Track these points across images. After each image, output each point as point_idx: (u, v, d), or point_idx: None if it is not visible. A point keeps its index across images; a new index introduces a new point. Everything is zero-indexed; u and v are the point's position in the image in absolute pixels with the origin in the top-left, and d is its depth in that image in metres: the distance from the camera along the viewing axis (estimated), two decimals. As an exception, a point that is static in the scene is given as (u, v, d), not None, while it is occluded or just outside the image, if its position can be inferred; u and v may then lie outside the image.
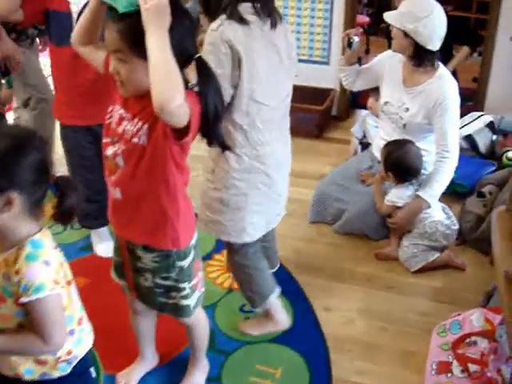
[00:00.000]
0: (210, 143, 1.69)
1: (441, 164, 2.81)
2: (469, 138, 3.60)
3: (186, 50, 1.53)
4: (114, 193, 1.70)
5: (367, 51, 5.76)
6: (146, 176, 1.62)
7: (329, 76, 4.21)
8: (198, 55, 1.59)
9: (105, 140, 1.69)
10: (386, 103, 3.01)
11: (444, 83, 2.81)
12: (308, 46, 4.19)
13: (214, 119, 1.60)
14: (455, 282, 2.79)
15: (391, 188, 2.94)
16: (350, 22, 4.06)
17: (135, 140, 1.58)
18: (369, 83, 3.20)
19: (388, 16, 2.80)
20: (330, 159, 3.82)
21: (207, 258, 2.88)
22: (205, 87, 1.57)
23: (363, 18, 5.93)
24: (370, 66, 3.13)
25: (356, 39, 2.96)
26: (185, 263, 1.79)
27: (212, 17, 1.94)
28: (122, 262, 1.87)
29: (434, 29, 2.72)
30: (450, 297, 2.68)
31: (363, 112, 4.06)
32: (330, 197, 3.13)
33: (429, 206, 2.83)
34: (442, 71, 2.85)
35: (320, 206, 3.15)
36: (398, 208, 2.88)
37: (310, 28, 4.12)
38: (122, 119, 1.63)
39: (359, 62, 3.21)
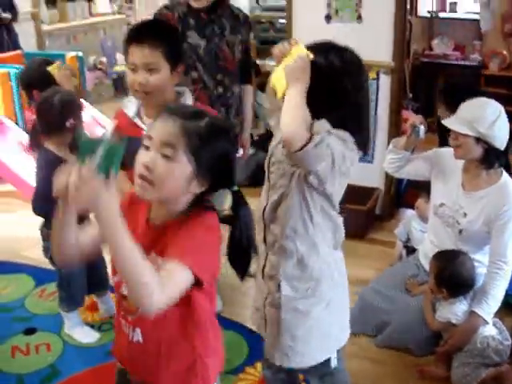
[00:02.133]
0: (241, 274, 1.59)
1: (496, 277, 2.61)
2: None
3: (229, 180, 1.51)
4: (132, 334, 1.52)
5: (413, 149, 5.64)
6: (171, 314, 1.43)
7: (373, 175, 4.10)
8: (235, 189, 1.53)
9: (117, 279, 1.52)
10: (441, 205, 2.83)
11: (509, 190, 2.65)
12: (352, 144, 4.11)
13: (248, 250, 1.54)
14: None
15: (441, 302, 2.73)
16: (395, 120, 3.99)
17: None
18: (416, 174, 3.04)
19: (452, 124, 2.65)
20: (372, 263, 3.64)
21: (239, 370, 2.70)
22: (244, 214, 1.53)
23: (409, 114, 5.85)
24: (424, 158, 2.97)
25: (422, 127, 2.87)
26: None
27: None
28: None
29: (506, 129, 2.61)
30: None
31: (409, 212, 3.91)
32: (373, 307, 2.94)
33: (486, 323, 2.62)
34: (506, 178, 2.69)
35: (362, 316, 2.95)
36: (453, 325, 2.67)
37: (354, 126, 4.05)
38: None
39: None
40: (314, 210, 1.85)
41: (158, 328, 1.48)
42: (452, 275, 2.65)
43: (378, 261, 3.66)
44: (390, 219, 4.24)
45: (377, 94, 3.95)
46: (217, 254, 1.44)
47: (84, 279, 2.91)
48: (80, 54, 5.71)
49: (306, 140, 1.62)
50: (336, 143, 1.70)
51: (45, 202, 2.65)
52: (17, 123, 4.99)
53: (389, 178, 4.10)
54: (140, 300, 1.27)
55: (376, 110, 3.99)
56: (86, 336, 2.95)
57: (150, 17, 3.11)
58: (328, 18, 3.88)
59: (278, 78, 1.73)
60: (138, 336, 1.52)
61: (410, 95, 6.62)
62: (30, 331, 3.01)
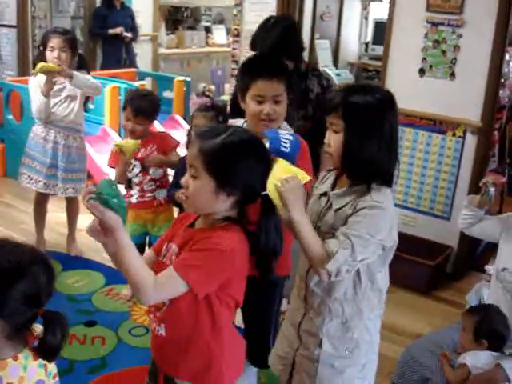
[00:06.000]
0: (262, 276, 1.69)
1: None
2: None
3: (254, 188, 1.63)
4: (158, 328, 1.70)
5: (500, 211, 5.49)
6: (191, 313, 1.62)
7: (448, 232, 4.05)
8: (264, 193, 1.64)
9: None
10: (503, 269, 2.79)
11: None
12: (430, 199, 4.10)
13: (271, 255, 1.65)
14: None
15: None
16: (476, 181, 3.94)
17: None
18: (486, 234, 3.02)
19: None
20: (432, 320, 3.58)
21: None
22: (267, 224, 1.63)
23: (499, 178, 5.70)
24: (497, 219, 2.94)
25: (492, 189, 2.84)
26: None
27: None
28: None
29: None
30: None
31: (483, 276, 3.83)
32: (418, 362, 2.89)
33: (508, 381, 2.53)
34: None
35: (406, 369, 2.92)
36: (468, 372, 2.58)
37: (435, 181, 4.05)
38: (171, 253, 1.69)
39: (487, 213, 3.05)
40: (363, 279, 1.90)
41: (178, 325, 1.65)
42: (491, 326, 2.61)
43: (440, 319, 3.59)
44: (461, 279, 4.15)
45: (461, 152, 3.93)
46: (224, 275, 1.59)
47: None
48: (188, 79, 6.04)
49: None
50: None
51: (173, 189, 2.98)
52: (119, 134, 5.34)
53: (464, 238, 4.05)
54: (137, 295, 1.53)
55: (459, 168, 3.97)
56: None
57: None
58: (422, 71, 3.93)
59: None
60: (162, 330, 1.69)
61: (508, 160, 6.47)
62: (90, 324, 3.22)
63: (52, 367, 1.51)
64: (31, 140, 3.88)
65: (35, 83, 3.72)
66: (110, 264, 1.50)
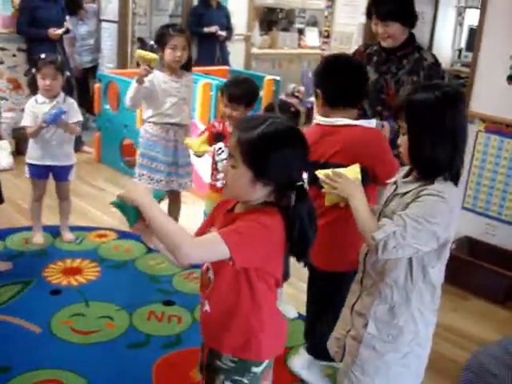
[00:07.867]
0: (298, 260, 1.77)
1: None
2: None
3: (291, 178, 1.68)
4: (205, 305, 1.82)
5: None
6: (232, 290, 1.72)
7: (530, 243, 3.98)
8: (300, 183, 1.69)
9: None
10: None
11: None
12: (513, 208, 4.03)
13: (303, 242, 1.70)
14: None
15: None
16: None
17: None
18: None
19: None
20: (506, 331, 3.52)
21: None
22: (300, 211, 1.67)
23: None
24: None
25: None
26: (258, 370, 1.82)
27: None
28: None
29: None
30: None
31: None
32: (485, 370, 2.86)
33: None
34: None
35: (471, 375, 2.91)
36: None
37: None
38: None
39: None
40: (414, 270, 1.94)
41: (221, 300, 1.76)
42: None
43: (513, 330, 3.54)
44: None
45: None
46: (263, 249, 1.65)
47: None
48: (278, 78, 6.17)
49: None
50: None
51: None
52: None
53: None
54: (174, 254, 1.53)
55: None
56: (288, 312, 3.24)
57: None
58: (510, 79, 3.88)
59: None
60: (207, 306, 1.81)
61: None
62: (168, 303, 3.41)
63: None
64: (148, 141, 3.90)
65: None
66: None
